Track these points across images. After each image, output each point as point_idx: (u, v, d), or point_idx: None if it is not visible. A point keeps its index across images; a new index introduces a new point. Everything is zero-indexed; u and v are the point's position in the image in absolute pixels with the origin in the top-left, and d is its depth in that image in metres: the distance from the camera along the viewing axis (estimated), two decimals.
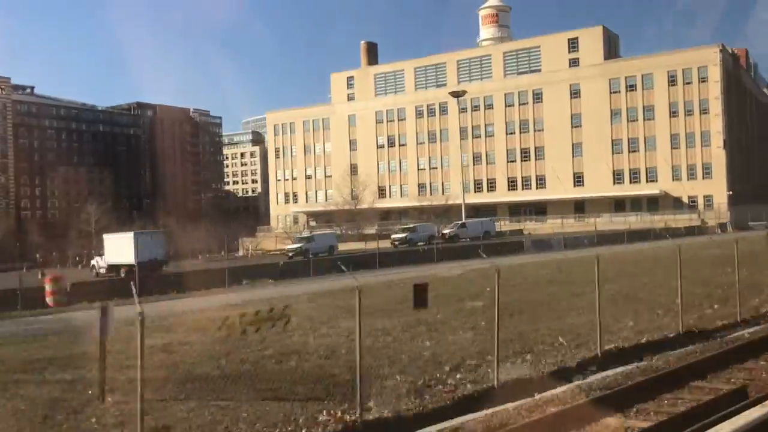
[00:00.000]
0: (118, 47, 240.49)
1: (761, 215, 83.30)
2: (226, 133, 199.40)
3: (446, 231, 65.89)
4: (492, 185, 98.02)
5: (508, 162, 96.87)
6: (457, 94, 78.01)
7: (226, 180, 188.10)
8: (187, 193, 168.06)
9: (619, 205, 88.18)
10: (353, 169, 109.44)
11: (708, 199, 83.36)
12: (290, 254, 57.21)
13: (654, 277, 21.46)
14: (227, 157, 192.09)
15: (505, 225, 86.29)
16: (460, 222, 69.62)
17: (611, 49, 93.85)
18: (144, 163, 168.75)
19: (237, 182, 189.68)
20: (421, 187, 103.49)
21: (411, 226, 68.09)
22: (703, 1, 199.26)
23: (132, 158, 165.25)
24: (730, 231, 67.20)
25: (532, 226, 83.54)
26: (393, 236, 64.03)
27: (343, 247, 63.07)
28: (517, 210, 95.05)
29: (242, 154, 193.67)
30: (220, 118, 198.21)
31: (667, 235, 33.09)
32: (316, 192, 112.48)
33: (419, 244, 59.75)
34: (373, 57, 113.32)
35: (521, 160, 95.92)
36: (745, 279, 17.03)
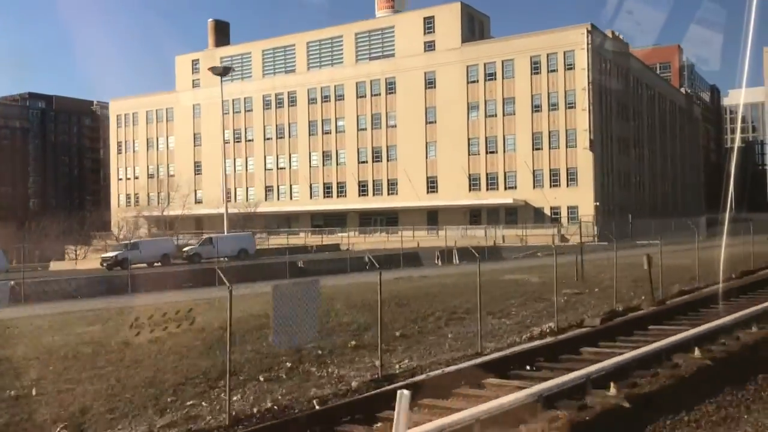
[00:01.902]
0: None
1: (649, 230, 70.26)
2: None
3: (186, 249, 52.14)
4: (342, 190, 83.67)
5: (359, 163, 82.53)
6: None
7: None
8: (82, 193, 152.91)
9: (475, 215, 74.31)
10: (197, 168, 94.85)
11: (572, 210, 69.60)
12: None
13: None
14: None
15: (314, 238, 72.48)
16: (207, 237, 55.72)
17: (478, 32, 79.45)
18: (31, 159, 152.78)
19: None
20: (268, 190, 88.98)
21: (132, 242, 54.37)
22: None
23: (18, 153, 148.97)
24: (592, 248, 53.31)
25: (363, 240, 69.23)
26: (104, 255, 50.98)
27: None
28: (367, 219, 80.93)
29: None
30: None
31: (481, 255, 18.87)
32: (158, 194, 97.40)
33: (141, 265, 46.22)
34: (223, 37, 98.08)
35: (373, 161, 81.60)
36: None
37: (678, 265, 25.19)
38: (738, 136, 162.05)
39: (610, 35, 74.59)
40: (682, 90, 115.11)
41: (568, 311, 17.76)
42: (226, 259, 49.77)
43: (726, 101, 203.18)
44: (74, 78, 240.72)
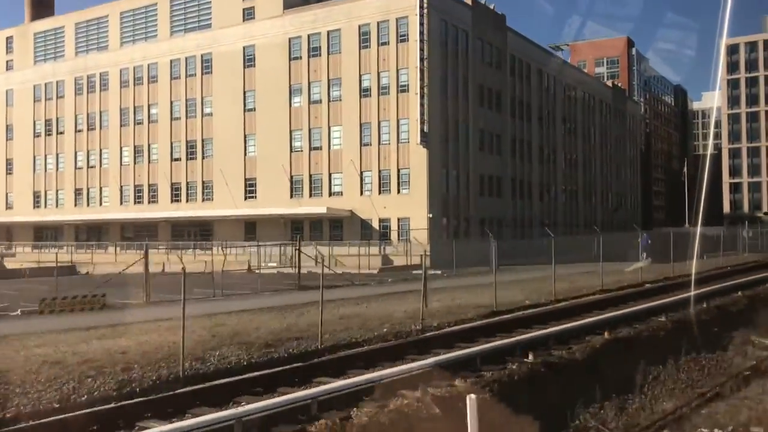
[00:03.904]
0: None
1: (524, 250, 55.53)
2: None
3: None
4: (154, 195, 67.63)
5: (172, 160, 66.52)
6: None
7: None
8: None
9: (296, 228, 58.33)
10: (9, 167, 78.92)
11: (404, 222, 53.65)
12: None
13: None
14: None
15: (81, 255, 56.49)
16: None
17: None
18: None
19: None
20: (78, 193, 72.90)
21: None
22: None
23: None
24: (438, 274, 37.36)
25: (167, 259, 52.83)
26: None
27: None
28: (180, 231, 64.90)
29: None
30: None
31: None
32: None
33: None
34: (45, 9, 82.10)
35: (187, 159, 65.59)
36: None
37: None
38: (711, 142, 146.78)
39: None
40: (628, 86, 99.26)
41: None
42: None
43: (697, 105, 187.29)
44: None
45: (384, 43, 54.59)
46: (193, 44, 64.74)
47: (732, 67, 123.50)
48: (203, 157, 64.20)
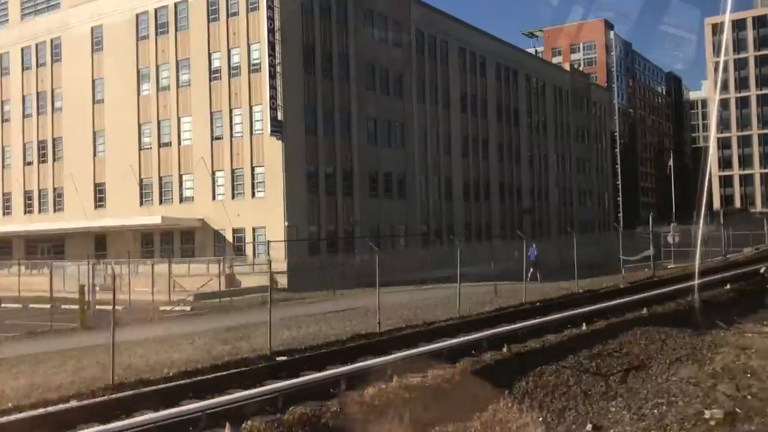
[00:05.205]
0: None
1: (411, 265, 46.02)
2: None
3: None
4: (8, 205, 58.06)
5: (24, 164, 56.93)
6: None
7: None
8: None
9: (147, 241, 48.45)
10: None
11: (260, 233, 43.45)
12: None
13: None
14: None
15: None
16: None
17: None
18: None
19: None
20: None
21: None
22: None
23: None
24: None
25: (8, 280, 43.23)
26: None
27: None
28: (34, 248, 55.23)
29: None
30: None
31: None
32: None
33: None
34: None
35: (39, 162, 55.95)
36: None
37: None
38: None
39: None
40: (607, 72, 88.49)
41: None
42: None
43: (696, 95, 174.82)
44: None
45: (234, 14, 44.45)
46: (43, 28, 55.14)
47: (718, 48, 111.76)
48: (54, 160, 54.57)
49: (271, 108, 41.41)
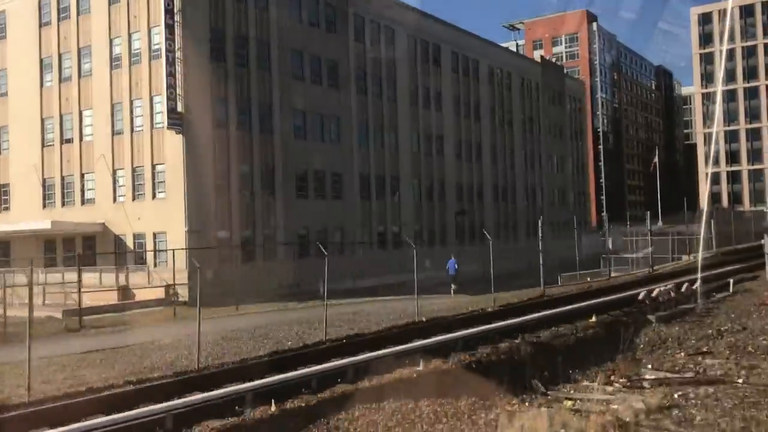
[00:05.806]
0: None
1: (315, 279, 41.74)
2: None
3: None
4: None
5: None
6: None
7: None
8: None
9: (50, 248, 43.95)
10: None
11: (161, 238, 38.86)
12: None
13: None
14: None
15: None
16: None
17: None
18: None
19: None
20: None
21: None
22: None
23: None
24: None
25: None
26: None
27: None
28: None
29: None
30: None
31: None
32: None
33: None
34: None
35: None
36: None
37: None
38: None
39: None
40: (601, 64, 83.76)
41: None
42: None
43: (687, 90, 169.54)
44: None
45: None
46: None
47: (705, 39, 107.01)
48: None
49: (168, 98, 36.80)
